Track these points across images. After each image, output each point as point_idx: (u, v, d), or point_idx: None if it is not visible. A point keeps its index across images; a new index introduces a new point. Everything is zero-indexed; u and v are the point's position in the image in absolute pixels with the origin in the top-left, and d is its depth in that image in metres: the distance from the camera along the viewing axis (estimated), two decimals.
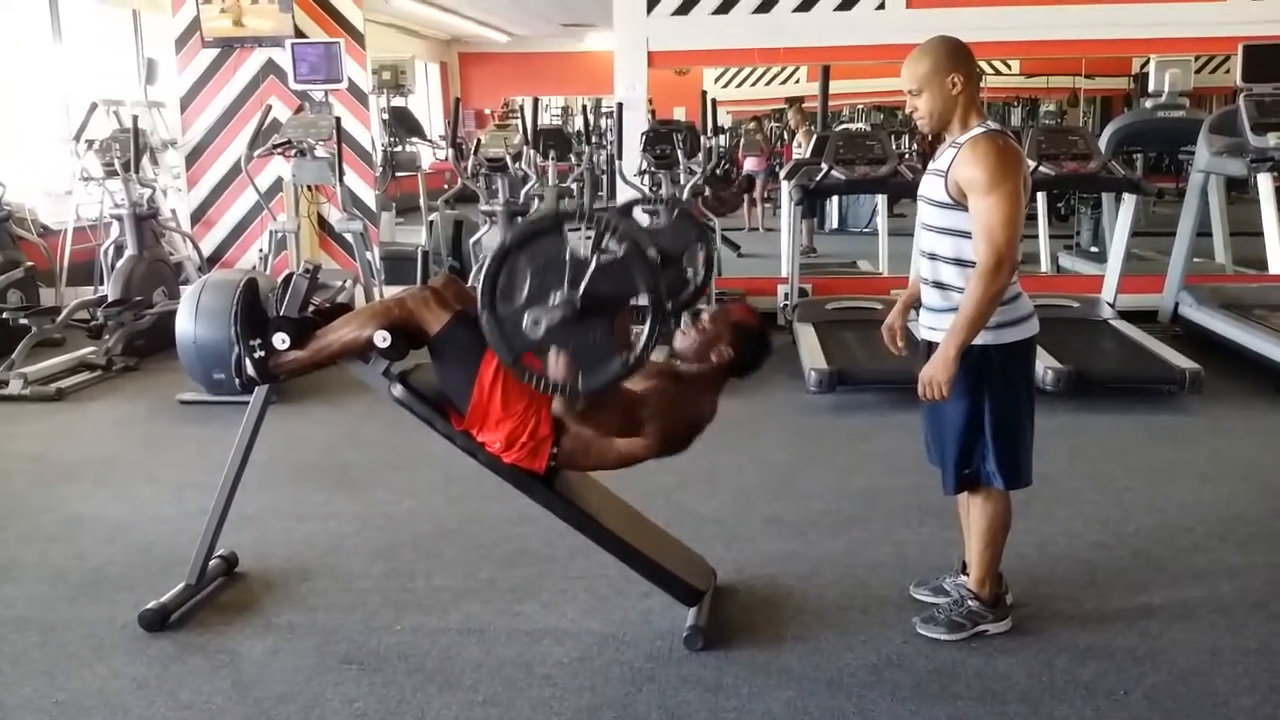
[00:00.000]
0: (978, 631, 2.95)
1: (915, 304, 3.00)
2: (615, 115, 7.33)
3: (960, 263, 2.73)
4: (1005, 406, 2.82)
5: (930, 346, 2.82)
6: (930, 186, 2.80)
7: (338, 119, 6.89)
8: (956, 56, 2.73)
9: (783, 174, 6.84)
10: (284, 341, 2.89)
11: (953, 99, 2.72)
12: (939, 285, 2.80)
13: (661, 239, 3.26)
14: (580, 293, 2.46)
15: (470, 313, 2.90)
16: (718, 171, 7.54)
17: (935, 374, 2.69)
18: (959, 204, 2.70)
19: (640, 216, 3.65)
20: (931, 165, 2.83)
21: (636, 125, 7.22)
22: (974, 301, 2.63)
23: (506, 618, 3.14)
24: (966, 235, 2.71)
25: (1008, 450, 2.84)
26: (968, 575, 3.05)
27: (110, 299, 6.43)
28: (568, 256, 2.48)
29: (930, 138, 14.07)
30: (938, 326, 2.81)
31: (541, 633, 3.04)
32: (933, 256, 2.81)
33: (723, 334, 2.89)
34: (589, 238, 2.49)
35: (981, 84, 2.85)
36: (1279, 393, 5.42)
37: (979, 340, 2.71)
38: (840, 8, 7.17)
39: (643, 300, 2.49)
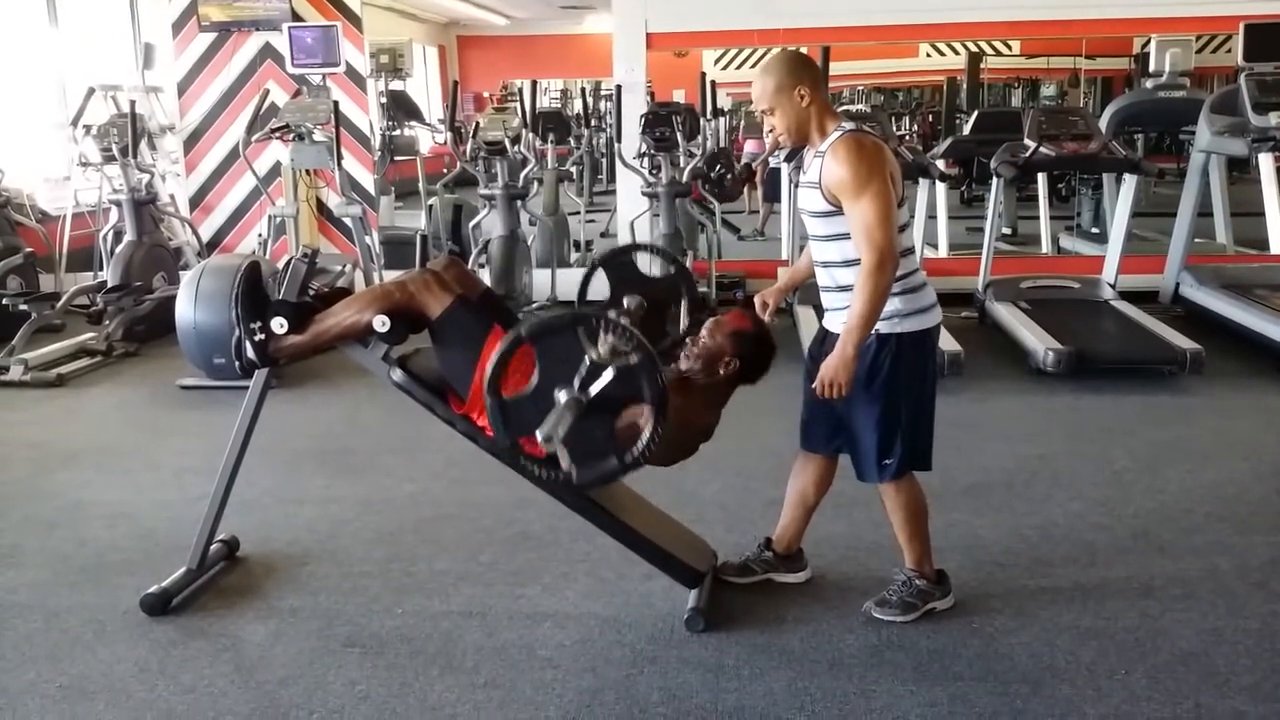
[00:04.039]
0: (928, 609, 2.99)
1: (797, 287, 3.19)
2: (614, 98, 7.30)
3: (853, 263, 2.76)
4: (919, 395, 2.89)
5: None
6: (807, 200, 2.83)
7: (335, 103, 6.87)
8: (799, 69, 2.78)
9: (782, 157, 6.80)
10: (282, 325, 2.89)
11: (805, 110, 2.77)
12: (842, 289, 2.82)
13: (656, 288, 3.35)
14: (590, 395, 2.51)
15: (471, 297, 2.90)
16: (713, 173, 7.50)
17: (837, 375, 2.73)
18: (839, 209, 2.73)
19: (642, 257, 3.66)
20: (803, 179, 2.86)
21: (636, 108, 7.20)
22: (864, 300, 2.67)
23: (508, 601, 3.15)
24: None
25: (922, 437, 2.91)
26: (773, 552, 3.19)
27: (110, 284, 6.43)
28: (580, 355, 2.51)
29: (929, 118, 14.07)
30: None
31: (543, 615, 3.05)
32: (826, 264, 2.86)
33: (725, 346, 2.91)
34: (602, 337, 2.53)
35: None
36: None
37: (891, 330, 2.78)
38: None
39: (647, 400, 2.52)
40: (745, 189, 11.94)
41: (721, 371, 2.91)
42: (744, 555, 3.24)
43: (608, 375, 2.50)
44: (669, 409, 2.60)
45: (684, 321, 3.31)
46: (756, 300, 3.13)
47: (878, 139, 2.75)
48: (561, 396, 2.52)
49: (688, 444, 2.91)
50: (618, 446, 2.58)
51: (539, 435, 2.49)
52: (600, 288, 3.23)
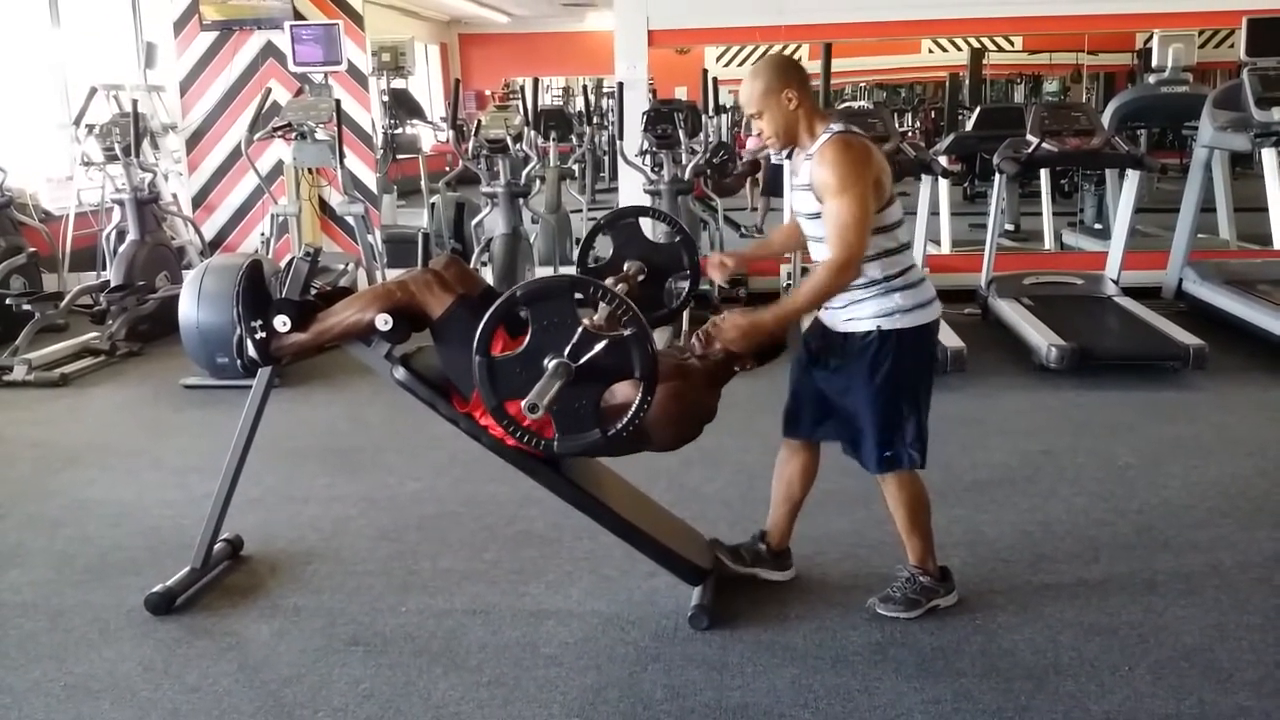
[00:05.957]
0: (932, 606, 2.99)
1: (762, 259, 3.12)
2: (616, 95, 7.30)
3: None
4: (918, 389, 2.89)
5: (845, 336, 2.84)
6: (801, 202, 2.84)
7: (338, 101, 6.87)
8: (786, 73, 2.79)
9: (785, 153, 6.80)
10: (285, 324, 2.89)
11: (793, 114, 2.78)
12: None
13: (659, 254, 3.35)
14: (579, 363, 2.49)
15: (472, 295, 2.91)
16: (715, 160, 7.51)
17: (738, 331, 2.76)
18: None
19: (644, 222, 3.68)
20: (796, 181, 2.86)
21: (638, 105, 7.20)
22: (815, 290, 2.71)
23: (512, 599, 3.15)
24: None
25: (921, 431, 2.90)
26: (766, 545, 3.18)
27: (113, 284, 6.43)
28: (573, 322, 2.49)
29: (932, 114, 14.06)
30: (853, 315, 2.83)
31: (547, 613, 3.05)
32: None
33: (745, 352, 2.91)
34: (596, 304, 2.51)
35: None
36: None
37: (893, 326, 2.77)
38: None
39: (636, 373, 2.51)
40: (747, 184, 11.95)
41: (737, 369, 2.94)
42: (739, 542, 3.24)
43: (599, 345, 2.48)
44: (678, 396, 2.56)
45: (684, 289, 3.31)
46: (714, 258, 3.14)
47: (866, 140, 2.75)
48: (550, 362, 2.49)
49: (691, 427, 2.89)
50: (602, 419, 2.57)
51: (524, 404, 2.46)
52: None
